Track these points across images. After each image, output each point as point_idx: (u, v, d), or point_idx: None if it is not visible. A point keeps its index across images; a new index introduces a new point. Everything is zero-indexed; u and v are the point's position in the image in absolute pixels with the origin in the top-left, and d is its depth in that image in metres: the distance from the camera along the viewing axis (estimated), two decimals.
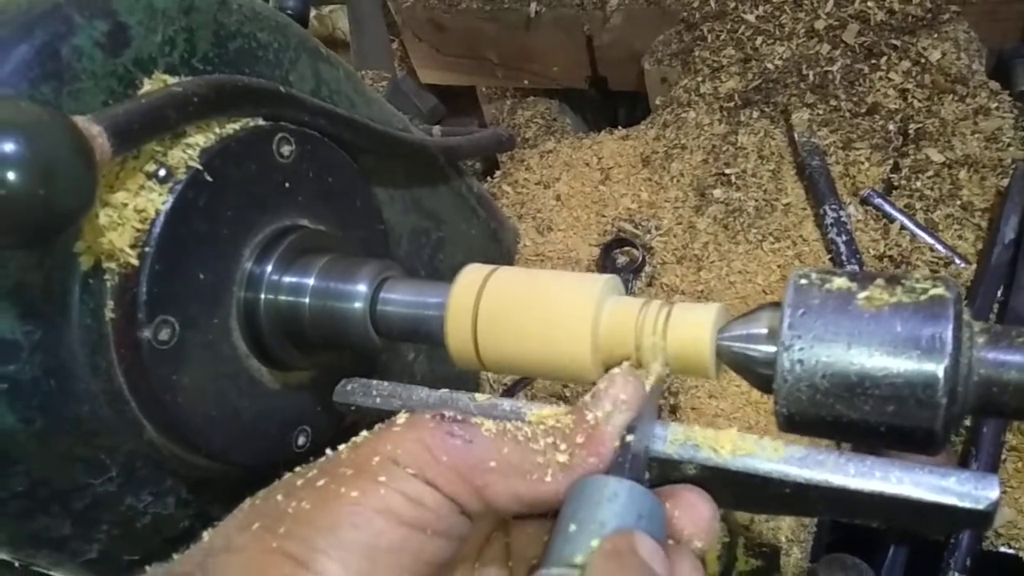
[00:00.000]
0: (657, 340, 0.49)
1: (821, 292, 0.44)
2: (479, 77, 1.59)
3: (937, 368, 0.40)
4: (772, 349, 0.45)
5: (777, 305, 0.46)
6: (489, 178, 1.38)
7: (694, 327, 0.48)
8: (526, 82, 1.54)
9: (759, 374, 0.47)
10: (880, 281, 0.44)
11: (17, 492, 0.52)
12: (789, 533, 0.85)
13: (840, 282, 0.44)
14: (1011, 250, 0.95)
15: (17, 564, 0.60)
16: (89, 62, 0.52)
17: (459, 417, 0.43)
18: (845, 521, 0.45)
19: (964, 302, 0.43)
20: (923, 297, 0.42)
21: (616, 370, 0.48)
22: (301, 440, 0.66)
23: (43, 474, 0.52)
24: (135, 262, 0.53)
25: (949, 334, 0.41)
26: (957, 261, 1.01)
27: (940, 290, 0.42)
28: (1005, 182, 1.06)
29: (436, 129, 1.08)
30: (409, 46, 1.58)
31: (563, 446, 0.43)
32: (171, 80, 0.57)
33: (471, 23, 1.47)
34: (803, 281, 0.45)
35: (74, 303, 0.52)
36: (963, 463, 0.85)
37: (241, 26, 0.63)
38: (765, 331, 0.47)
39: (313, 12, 1.64)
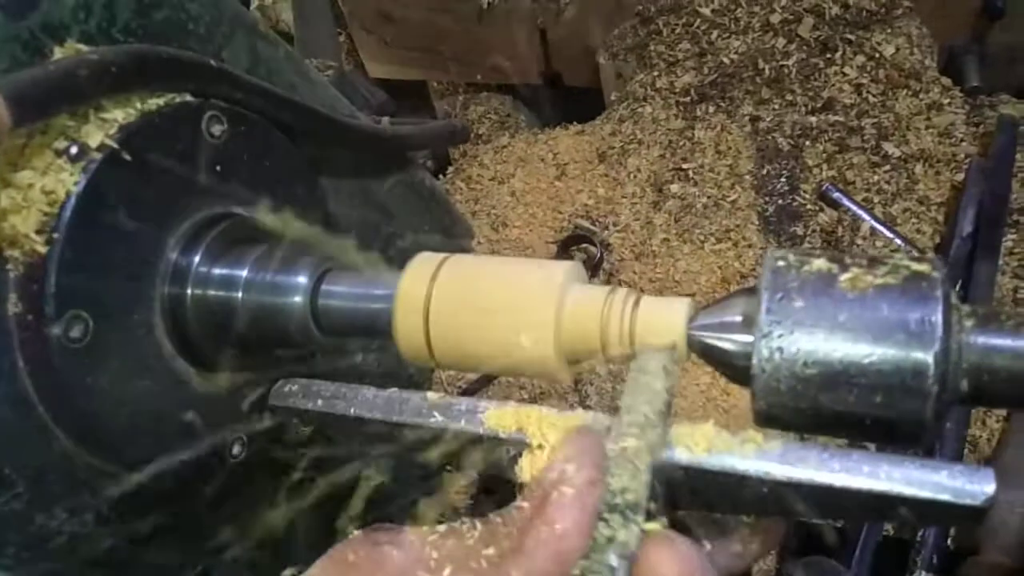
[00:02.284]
0: (625, 330, 0.45)
1: (800, 274, 0.41)
2: (430, 71, 1.54)
3: (927, 354, 0.37)
4: (748, 338, 0.41)
5: (751, 291, 0.43)
6: (441, 175, 1.33)
7: (666, 316, 0.44)
8: (478, 77, 1.50)
9: (734, 365, 0.43)
10: (862, 261, 0.41)
11: None
12: None
13: (820, 263, 0.41)
14: (969, 244, 0.94)
15: None
16: None
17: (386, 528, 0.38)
18: (825, 521, 0.42)
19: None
20: (909, 278, 0.39)
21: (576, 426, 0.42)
22: (236, 449, 0.61)
23: None
24: (42, 250, 0.47)
25: (939, 317, 0.38)
26: (905, 252, 1.00)
27: (927, 269, 0.39)
28: (959, 176, 1.06)
29: (385, 120, 1.04)
30: (357, 39, 1.53)
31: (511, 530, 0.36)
32: (86, 50, 0.51)
33: (422, 15, 1.43)
34: (780, 263, 0.42)
35: None
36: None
37: None
38: (740, 319, 0.43)
39: (255, 2, 1.58)
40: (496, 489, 1.02)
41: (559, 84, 1.46)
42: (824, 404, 0.39)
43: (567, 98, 1.49)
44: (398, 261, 0.54)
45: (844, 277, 0.40)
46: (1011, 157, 1.02)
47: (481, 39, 1.42)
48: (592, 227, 1.15)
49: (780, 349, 0.40)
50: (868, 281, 0.39)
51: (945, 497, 0.37)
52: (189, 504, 0.64)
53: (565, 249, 1.14)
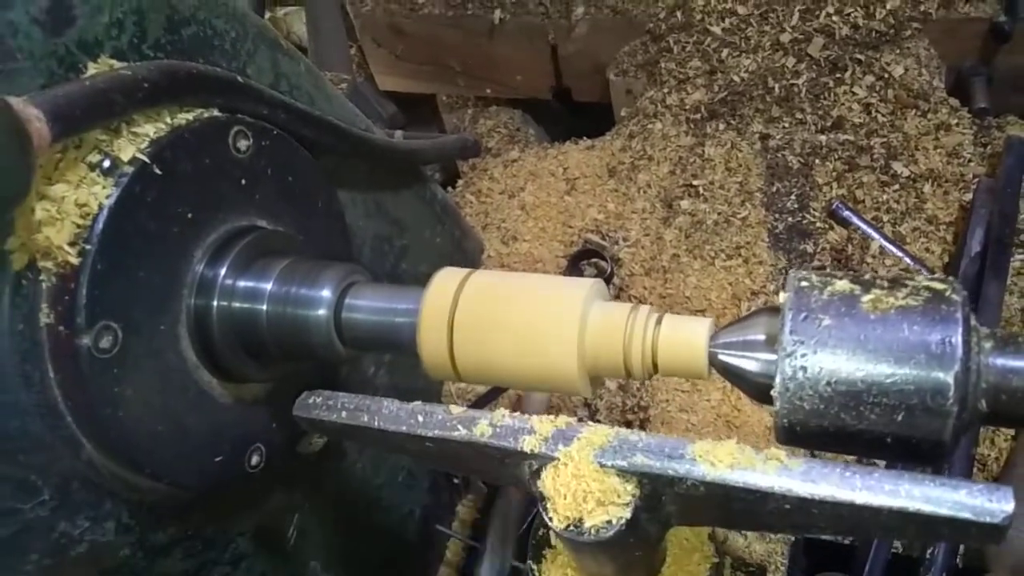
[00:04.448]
0: (647, 347, 0.46)
1: (823, 295, 0.42)
2: (440, 85, 1.55)
3: (947, 375, 0.38)
4: (772, 356, 0.42)
5: (774, 310, 0.44)
6: (451, 188, 1.34)
7: (688, 334, 0.45)
8: (488, 91, 1.51)
9: (756, 383, 0.44)
10: (883, 283, 0.41)
11: None
12: (764, 554, 0.83)
13: (842, 284, 0.42)
14: (977, 263, 0.95)
15: None
16: (25, 40, 0.47)
17: None
18: (839, 538, 0.43)
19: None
20: (930, 299, 0.40)
21: None
22: (255, 459, 0.61)
23: None
24: (74, 261, 0.48)
25: (959, 338, 0.38)
26: (925, 274, 1.01)
27: (948, 291, 0.40)
28: (967, 196, 1.07)
29: (398, 134, 1.05)
30: (368, 52, 1.54)
31: None
32: (119, 65, 0.52)
33: (432, 29, 1.44)
34: (804, 283, 0.42)
35: (4, 306, 0.47)
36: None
37: (196, 12, 0.58)
38: (763, 337, 0.44)
39: (268, 14, 1.59)
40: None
41: (568, 100, 1.47)
42: (846, 422, 0.40)
43: (576, 113, 1.50)
44: (411, 274, 0.54)
45: (866, 298, 0.41)
46: (1019, 177, 1.02)
47: (491, 54, 1.44)
48: (602, 242, 1.15)
49: (803, 368, 0.40)
50: (890, 302, 0.40)
51: (965, 515, 0.37)
52: (207, 514, 0.64)
53: (575, 264, 1.15)
